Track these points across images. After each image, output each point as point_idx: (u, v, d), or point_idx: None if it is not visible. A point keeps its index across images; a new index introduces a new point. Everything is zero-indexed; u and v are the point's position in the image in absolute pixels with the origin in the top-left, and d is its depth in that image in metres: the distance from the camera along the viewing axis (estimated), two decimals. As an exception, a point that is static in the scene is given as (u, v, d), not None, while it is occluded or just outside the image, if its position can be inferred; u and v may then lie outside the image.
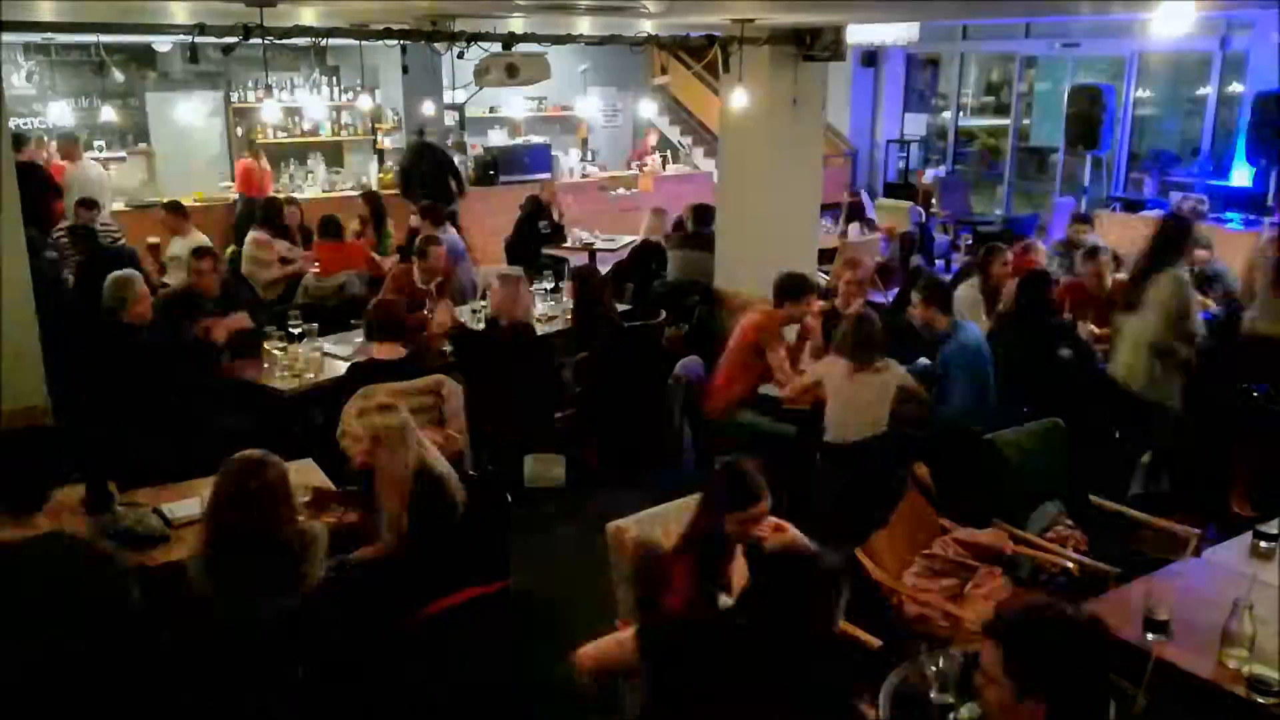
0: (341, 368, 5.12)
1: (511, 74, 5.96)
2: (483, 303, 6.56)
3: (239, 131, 11.77)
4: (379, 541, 3.59)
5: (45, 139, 9.92)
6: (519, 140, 13.00)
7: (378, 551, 3.55)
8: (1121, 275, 6.83)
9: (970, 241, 11.24)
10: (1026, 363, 5.45)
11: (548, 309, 6.66)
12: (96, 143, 10.68)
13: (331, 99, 12.35)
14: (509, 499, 3.86)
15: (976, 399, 5.09)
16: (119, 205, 10.02)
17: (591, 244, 9.70)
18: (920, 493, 4.02)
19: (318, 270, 7.38)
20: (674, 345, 6.33)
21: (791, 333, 5.64)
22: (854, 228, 9.65)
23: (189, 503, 3.68)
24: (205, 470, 3.82)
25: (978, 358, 5.15)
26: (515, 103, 13.13)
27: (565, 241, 9.66)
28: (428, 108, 10.71)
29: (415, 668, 3.45)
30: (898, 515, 3.89)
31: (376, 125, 12.33)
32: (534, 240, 9.34)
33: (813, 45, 6.53)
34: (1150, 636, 2.90)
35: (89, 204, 7.74)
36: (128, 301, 5.06)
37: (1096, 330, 6.01)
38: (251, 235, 7.48)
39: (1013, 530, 4.01)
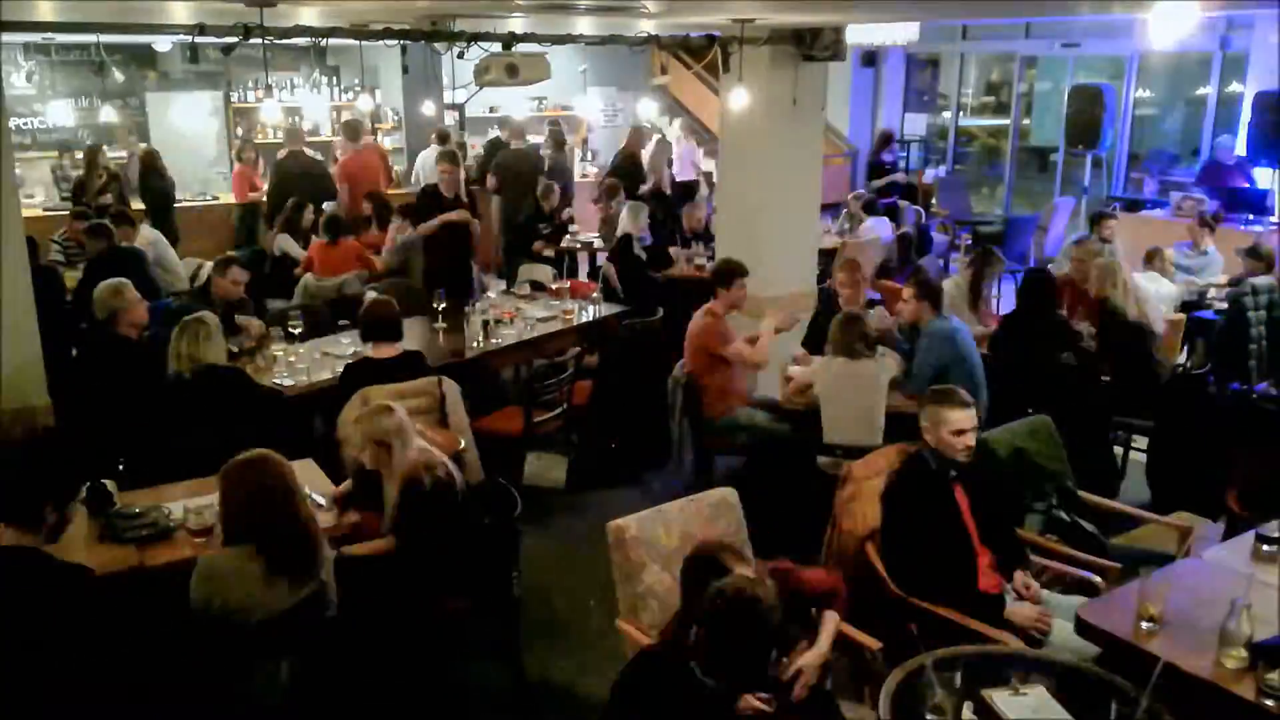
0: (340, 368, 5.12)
1: (511, 74, 5.95)
2: (489, 296, 6.57)
3: (239, 131, 11.77)
4: (380, 540, 3.61)
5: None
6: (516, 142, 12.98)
7: (374, 549, 3.56)
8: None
9: (970, 241, 11.24)
10: (1030, 364, 5.46)
11: (547, 310, 6.66)
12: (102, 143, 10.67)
13: (331, 99, 12.36)
14: (518, 499, 3.86)
15: (968, 389, 5.09)
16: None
17: (591, 243, 9.71)
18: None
19: (317, 269, 7.40)
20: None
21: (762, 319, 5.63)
22: (879, 222, 9.56)
23: (189, 503, 3.67)
24: (206, 471, 3.84)
25: (963, 342, 5.16)
26: (515, 103, 13.13)
27: (563, 241, 9.66)
28: (428, 108, 10.71)
29: (416, 666, 3.45)
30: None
31: (377, 125, 12.33)
32: (531, 241, 9.34)
33: (813, 45, 6.52)
34: (1145, 625, 2.91)
35: None
36: (120, 312, 4.87)
37: (1093, 329, 6.03)
38: (281, 237, 7.53)
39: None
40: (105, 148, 9.70)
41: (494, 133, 11.45)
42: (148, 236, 7.50)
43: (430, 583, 3.53)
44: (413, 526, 3.54)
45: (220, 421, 4.17)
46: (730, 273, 5.45)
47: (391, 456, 3.61)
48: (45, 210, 9.49)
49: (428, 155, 10.10)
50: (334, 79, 12.45)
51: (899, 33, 9.86)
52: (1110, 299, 5.79)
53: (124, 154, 10.08)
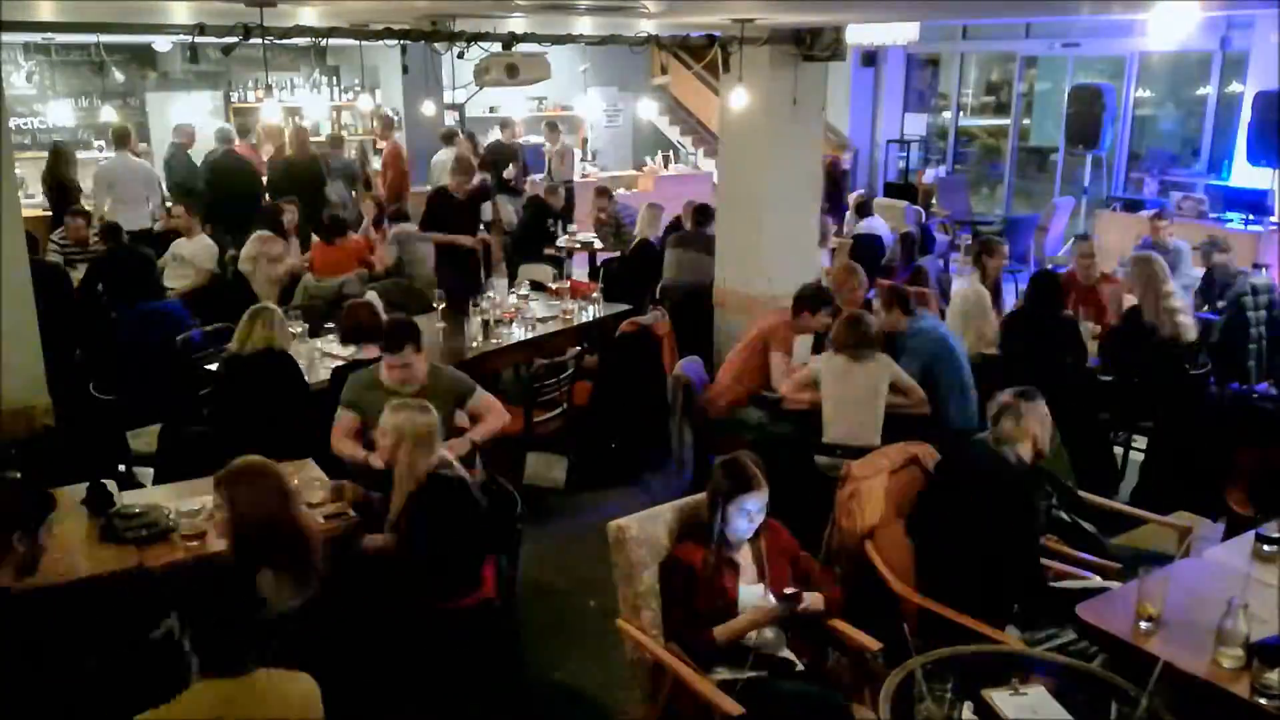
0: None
1: (511, 74, 5.96)
2: (489, 296, 6.55)
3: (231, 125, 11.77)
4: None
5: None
6: (517, 140, 13.00)
7: (388, 544, 3.55)
8: (1109, 270, 6.88)
9: (970, 240, 11.25)
10: (1034, 364, 5.45)
11: (547, 310, 6.65)
12: (97, 142, 10.68)
13: (331, 99, 12.37)
14: (518, 499, 3.86)
15: (957, 385, 5.12)
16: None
17: (592, 243, 9.71)
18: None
19: (316, 269, 7.40)
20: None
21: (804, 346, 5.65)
22: (874, 222, 9.54)
23: (189, 503, 3.67)
24: (204, 471, 3.84)
25: (940, 345, 5.17)
26: (515, 103, 13.14)
27: (562, 240, 9.69)
28: (428, 108, 10.73)
29: (417, 665, 3.45)
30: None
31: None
32: (539, 240, 9.37)
33: (813, 45, 6.53)
34: (1143, 625, 2.93)
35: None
36: None
37: (1095, 327, 6.03)
38: (256, 235, 7.50)
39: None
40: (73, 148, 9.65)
41: (495, 134, 11.48)
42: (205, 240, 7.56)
43: (436, 581, 3.53)
44: (427, 523, 3.52)
45: (269, 404, 4.37)
46: (819, 300, 5.44)
47: (410, 455, 3.57)
48: (45, 210, 9.50)
49: (441, 158, 10.14)
50: (334, 79, 12.45)
51: (899, 33, 9.86)
52: (1144, 311, 5.63)
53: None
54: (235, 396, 4.56)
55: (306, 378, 5.15)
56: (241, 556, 3.03)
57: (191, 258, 7.46)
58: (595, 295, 6.91)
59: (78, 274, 7.12)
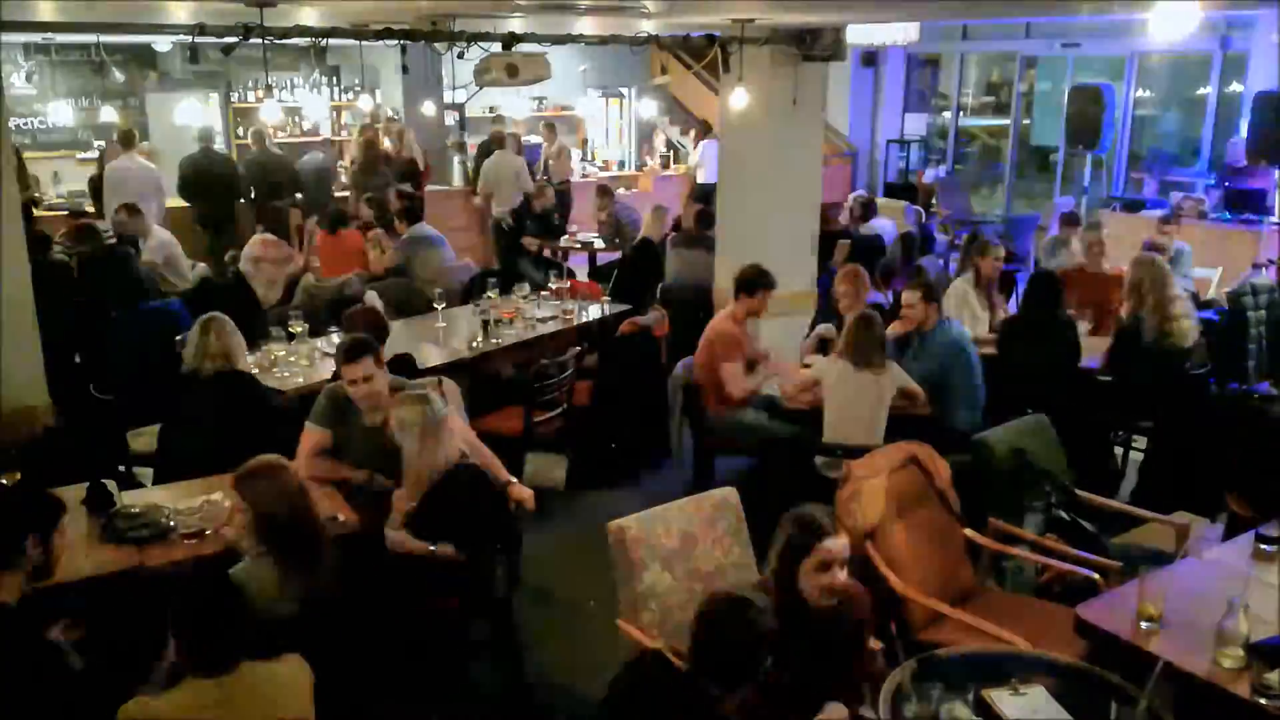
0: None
1: (511, 74, 5.96)
2: (489, 296, 6.56)
3: (240, 131, 11.77)
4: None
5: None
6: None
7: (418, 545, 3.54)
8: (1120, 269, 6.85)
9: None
10: (1034, 364, 5.45)
11: (546, 310, 6.65)
12: (97, 143, 10.67)
13: (332, 99, 12.36)
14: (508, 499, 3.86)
15: (969, 392, 5.11)
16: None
17: (591, 243, 9.71)
18: (941, 500, 3.99)
19: (318, 267, 7.40)
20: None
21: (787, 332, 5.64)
22: (879, 223, 9.53)
23: (189, 503, 3.68)
24: (203, 471, 3.84)
25: (965, 352, 5.16)
26: (515, 103, 13.13)
27: (560, 241, 9.69)
28: (428, 108, 10.73)
29: (419, 663, 3.45)
30: (918, 520, 3.88)
31: (376, 125, 12.32)
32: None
33: (813, 45, 6.54)
34: (1144, 625, 2.93)
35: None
36: None
37: (1090, 325, 6.02)
38: (258, 237, 7.50)
39: (1012, 530, 4.01)
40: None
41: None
42: (160, 237, 7.49)
43: (442, 580, 3.53)
44: (442, 521, 3.52)
45: (230, 425, 4.17)
46: (754, 281, 5.43)
47: (418, 445, 3.54)
48: (46, 210, 9.50)
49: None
50: (334, 79, 12.44)
51: (899, 33, 9.85)
52: (1144, 314, 5.49)
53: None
54: (197, 420, 4.30)
55: (306, 379, 5.17)
56: (270, 553, 3.04)
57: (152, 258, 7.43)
58: (604, 298, 6.89)
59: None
